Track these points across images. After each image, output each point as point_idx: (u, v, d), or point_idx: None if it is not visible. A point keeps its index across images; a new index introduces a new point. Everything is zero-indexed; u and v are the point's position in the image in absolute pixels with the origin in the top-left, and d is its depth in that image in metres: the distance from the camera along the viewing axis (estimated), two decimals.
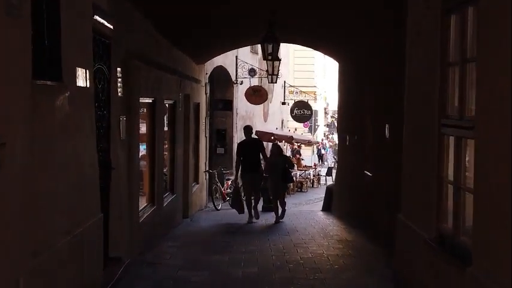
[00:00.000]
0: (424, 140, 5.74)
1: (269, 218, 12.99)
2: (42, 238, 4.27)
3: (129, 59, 7.84)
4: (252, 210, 12.75)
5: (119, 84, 7.34)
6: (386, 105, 10.20)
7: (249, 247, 9.58)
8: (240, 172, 12.66)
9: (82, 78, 5.46)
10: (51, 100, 4.65)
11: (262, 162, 12.97)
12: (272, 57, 10.39)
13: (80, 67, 5.39)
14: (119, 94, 7.35)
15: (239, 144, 13.15)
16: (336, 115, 48.87)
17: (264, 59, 11.06)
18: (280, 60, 11.76)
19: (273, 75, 11.71)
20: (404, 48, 8.64)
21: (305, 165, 28.37)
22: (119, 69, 7.33)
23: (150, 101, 9.50)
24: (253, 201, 12.89)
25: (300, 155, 30.84)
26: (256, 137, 16.84)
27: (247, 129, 13.06)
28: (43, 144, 4.38)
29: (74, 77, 5.24)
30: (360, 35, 11.51)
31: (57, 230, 4.64)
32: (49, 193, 4.47)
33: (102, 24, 6.57)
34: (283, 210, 13.05)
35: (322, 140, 40.78)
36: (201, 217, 13.94)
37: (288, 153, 30.14)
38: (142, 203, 9.32)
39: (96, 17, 6.23)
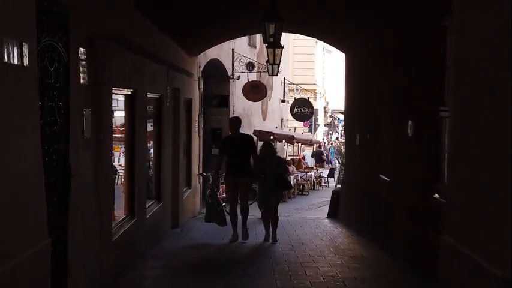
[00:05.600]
0: (487, 141, 4.18)
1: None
2: None
3: (98, 39, 6.27)
4: (241, 228, 10.10)
5: (82, 69, 5.77)
6: (409, 98, 8.66)
7: (248, 268, 8.04)
8: (224, 175, 10.59)
9: (15, 53, 3.89)
10: None
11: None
12: (274, 39, 8.70)
13: (10, 37, 3.83)
14: (82, 81, 5.78)
15: (223, 140, 10.93)
16: (336, 115, 47.61)
17: (264, 42, 9.42)
18: (282, 47, 10.15)
19: (274, 64, 10.10)
20: (438, 25, 7.13)
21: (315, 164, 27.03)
22: (82, 49, 5.76)
23: (129, 92, 7.93)
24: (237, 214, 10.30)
25: (323, 155, 29.25)
26: (252, 134, 14.92)
27: (234, 122, 10.22)
28: None
29: None
30: (375, 17, 9.95)
31: None
32: None
33: None
34: (274, 231, 10.14)
35: (323, 139, 39.13)
36: (193, 226, 12.34)
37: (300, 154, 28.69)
38: (119, 215, 7.77)
39: None
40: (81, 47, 5.75)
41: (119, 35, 7.17)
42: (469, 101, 4.64)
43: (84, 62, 5.80)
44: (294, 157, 26.66)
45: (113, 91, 6.99)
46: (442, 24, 7.03)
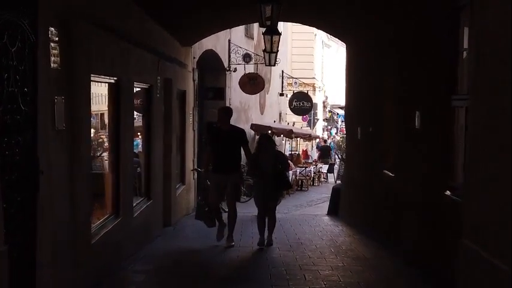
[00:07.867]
0: None
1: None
2: None
3: (73, 18, 5.62)
4: (223, 230, 9.08)
5: (53, 52, 5.13)
6: (416, 87, 8.02)
7: (242, 270, 7.43)
8: (210, 172, 9.11)
9: None
10: None
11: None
12: (271, 23, 8.00)
13: None
14: (54, 65, 5.14)
15: (212, 132, 9.81)
16: (335, 110, 46.94)
17: (260, 26, 8.75)
18: (280, 34, 9.48)
19: (271, 53, 9.43)
20: (451, 6, 6.50)
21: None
22: (52, 29, 5.12)
23: (112, 81, 7.29)
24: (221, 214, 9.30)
25: (331, 150, 28.64)
26: (250, 129, 14.15)
27: (225, 113, 9.01)
28: None
29: None
30: (376, 2, 9.31)
31: None
32: None
33: None
34: (270, 234, 9.13)
35: (323, 135, 38.46)
36: (186, 224, 11.70)
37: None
38: (102, 214, 7.14)
39: None
40: (52, 27, 5.11)
41: (99, 16, 6.52)
42: (495, 87, 4.00)
43: (55, 44, 5.16)
44: (293, 152, 26.06)
45: (92, 78, 6.35)
46: (456, 5, 6.41)
